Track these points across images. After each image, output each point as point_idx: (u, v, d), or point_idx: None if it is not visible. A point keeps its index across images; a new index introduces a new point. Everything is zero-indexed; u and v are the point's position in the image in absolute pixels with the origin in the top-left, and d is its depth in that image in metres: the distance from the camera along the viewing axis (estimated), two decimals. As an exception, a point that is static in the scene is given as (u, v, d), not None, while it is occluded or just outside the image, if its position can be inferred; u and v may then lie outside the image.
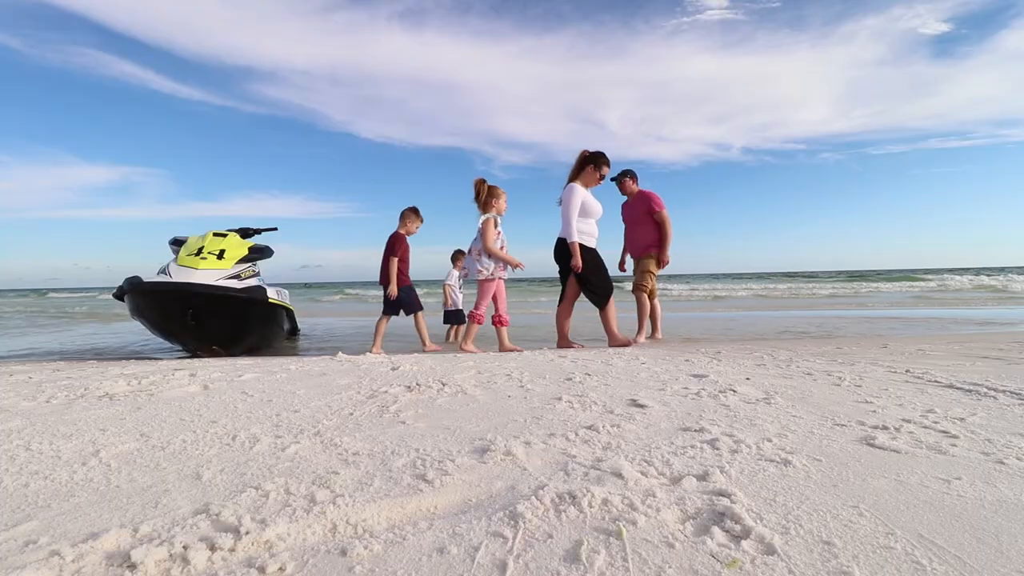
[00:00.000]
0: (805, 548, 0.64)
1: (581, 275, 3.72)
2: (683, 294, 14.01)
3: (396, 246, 4.09)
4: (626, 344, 3.66)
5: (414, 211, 4.28)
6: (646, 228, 4.29)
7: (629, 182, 4.41)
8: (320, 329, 6.32)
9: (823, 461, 0.95)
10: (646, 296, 4.24)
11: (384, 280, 4.07)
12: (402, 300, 4.11)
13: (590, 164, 3.82)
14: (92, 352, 4.23)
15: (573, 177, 3.86)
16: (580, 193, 3.68)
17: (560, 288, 3.96)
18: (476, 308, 3.77)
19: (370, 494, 0.82)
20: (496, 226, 3.72)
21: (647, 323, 4.28)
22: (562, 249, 3.77)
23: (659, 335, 4.30)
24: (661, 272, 4.26)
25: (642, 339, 4.06)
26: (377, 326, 4.04)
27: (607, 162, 3.85)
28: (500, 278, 3.76)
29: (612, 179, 4.41)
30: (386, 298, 4.08)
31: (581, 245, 3.70)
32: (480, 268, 3.69)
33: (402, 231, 4.18)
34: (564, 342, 3.86)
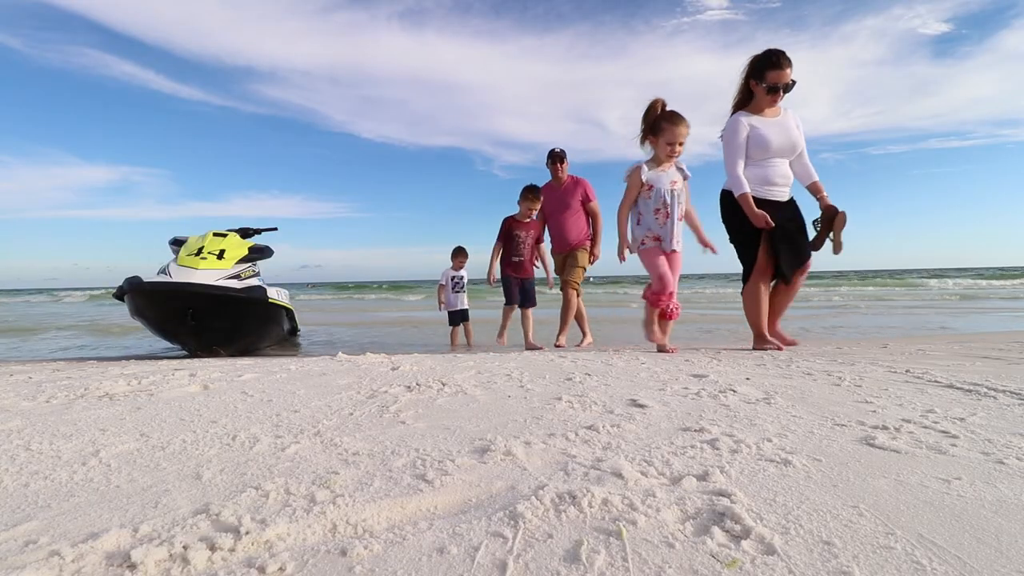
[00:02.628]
0: (805, 548, 0.64)
1: (773, 235, 2.66)
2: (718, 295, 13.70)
3: (499, 231, 3.87)
4: (791, 344, 2.80)
5: (525, 189, 3.81)
6: (579, 218, 3.84)
7: (560, 166, 3.83)
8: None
9: (823, 461, 0.95)
10: (575, 295, 3.84)
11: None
12: (504, 288, 3.85)
13: (753, 79, 2.67)
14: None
15: (738, 104, 2.79)
16: (743, 126, 2.66)
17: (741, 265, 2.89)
18: (647, 286, 2.91)
19: (370, 494, 0.82)
20: (641, 175, 2.69)
21: (570, 325, 3.85)
22: (727, 207, 2.77)
23: (589, 339, 3.87)
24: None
25: (563, 341, 3.71)
26: (503, 314, 3.94)
27: (773, 63, 2.58)
28: (648, 247, 2.78)
29: (548, 159, 3.87)
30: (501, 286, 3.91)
31: (754, 197, 2.69)
32: (635, 238, 2.82)
33: (515, 215, 3.86)
34: (760, 339, 2.83)
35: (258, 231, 4.54)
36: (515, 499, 0.79)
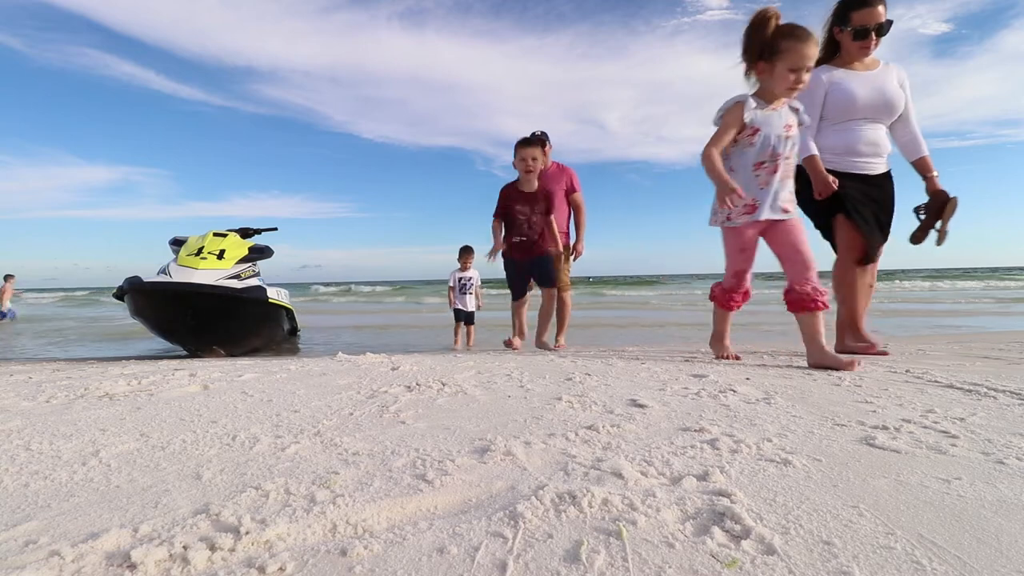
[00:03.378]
0: (805, 548, 0.64)
1: (847, 203, 2.19)
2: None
3: (497, 205, 3.17)
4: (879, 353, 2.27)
5: (517, 142, 3.09)
6: (562, 209, 3.52)
7: (542, 150, 3.35)
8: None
9: (823, 461, 0.95)
10: (568, 294, 3.61)
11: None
12: (507, 279, 3.19)
13: (837, 26, 2.25)
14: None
15: (822, 58, 2.30)
16: (819, 84, 2.21)
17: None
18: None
19: (370, 494, 0.82)
20: (743, 113, 2.01)
21: (568, 325, 3.64)
22: (802, 183, 2.22)
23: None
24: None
25: (563, 342, 3.57)
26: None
27: (860, 1, 2.19)
28: (734, 225, 2.09)
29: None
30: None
31: (832, 171, 2.25)
32: (716, 208, 2.13)
33: (514, 181, 3.16)
34: (856, 337, 2.39)
35: (258, 231, 4.55)
36: (515, 499, 0.79)
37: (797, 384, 1.70)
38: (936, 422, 1.20)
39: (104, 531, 0.70)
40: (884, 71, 2.31)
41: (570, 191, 3.61)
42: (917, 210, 2.46)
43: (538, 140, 3.22)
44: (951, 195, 2.32)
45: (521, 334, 3.43)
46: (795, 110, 2.11)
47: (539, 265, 3.31)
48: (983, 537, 0.67)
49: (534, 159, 3.07)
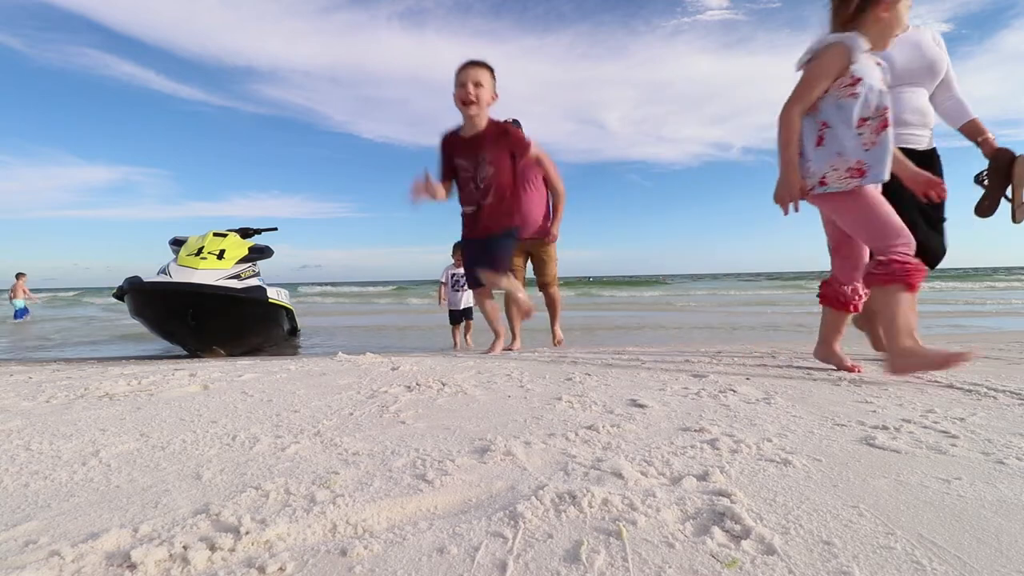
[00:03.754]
0: (805, 548, 0.64)
1: (891, 196, 1.71)
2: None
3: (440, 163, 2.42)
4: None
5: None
6: (542, 196, 3.33)
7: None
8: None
9: (823, 461, 0.95)
10: (557, 288, 3.50)
11: None
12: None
13: None
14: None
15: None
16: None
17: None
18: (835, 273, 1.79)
19: (370, 494, 0.82)
20: (850, 59, 1.56)
21: (559, 318, 3.56)
22: None
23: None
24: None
25: (559, 335, 3.55)
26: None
27: None
28: (845, 188, 1.61)
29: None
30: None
31: None
32: (807, 172, 1.66)
33: (457, 128, 2.38)
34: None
35: (258, 231, 4.55)
36: (515, 499, 0.79)
37: (797, 384, 1.70)
38: (936, 422, 1.20)
39: (104, 531, 0.70)
40: (916, 32, 2.08)
41: (545, 176, 3.37)
42: (978, 177, 2.07)
43: (483, 62, 2.26)
44: (1018, 153, 1.90)
45: (511, 335, 3.30)
46: (879, 64, 1.70)
47: (488, 248, 2.39)
48: (983, 537, 0.67)
49: (477, 84, 2.13)
